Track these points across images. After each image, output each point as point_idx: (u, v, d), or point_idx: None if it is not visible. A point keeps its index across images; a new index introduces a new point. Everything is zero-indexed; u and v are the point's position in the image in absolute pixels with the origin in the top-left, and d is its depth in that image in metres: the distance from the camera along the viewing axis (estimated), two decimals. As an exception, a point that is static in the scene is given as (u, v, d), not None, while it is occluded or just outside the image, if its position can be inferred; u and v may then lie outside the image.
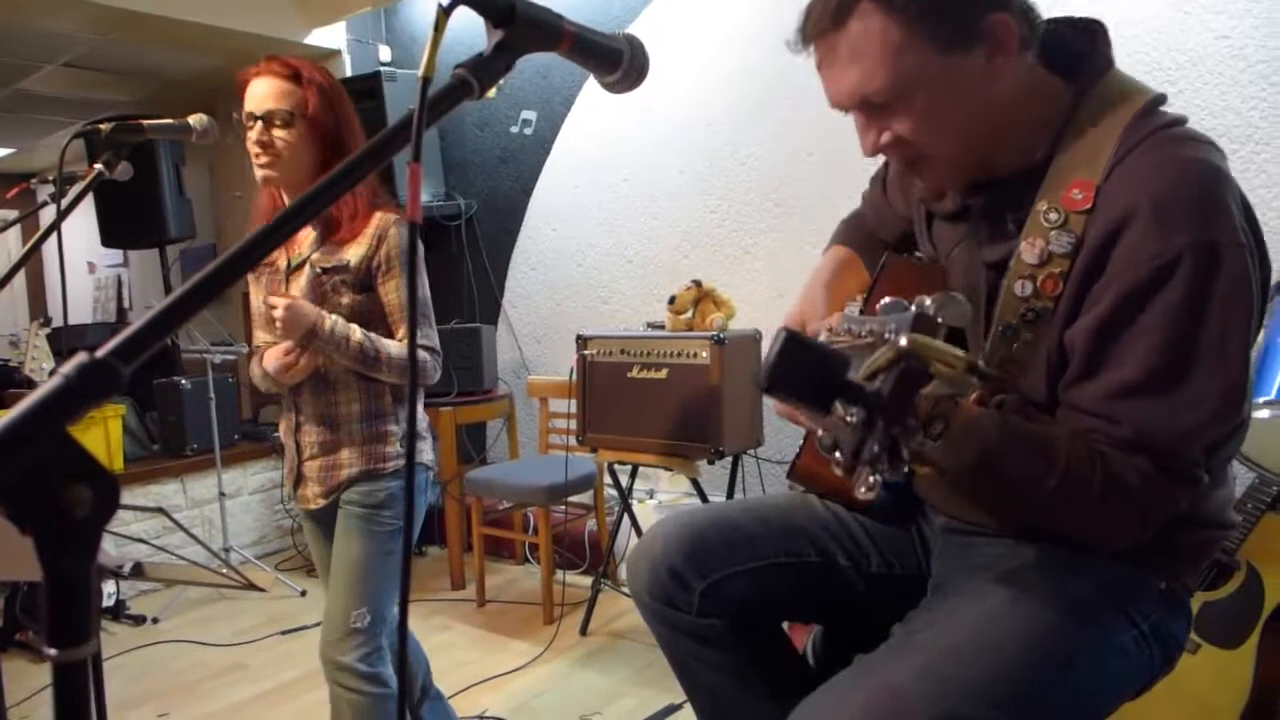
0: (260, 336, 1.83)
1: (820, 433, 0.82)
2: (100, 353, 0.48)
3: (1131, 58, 2.44)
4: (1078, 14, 1.08)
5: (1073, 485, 0.94)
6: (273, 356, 1.70)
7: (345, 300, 1.72)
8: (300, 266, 1.75)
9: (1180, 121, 1.00)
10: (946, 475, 1.04)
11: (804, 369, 0.78)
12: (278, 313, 1.63)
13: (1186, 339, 0.92)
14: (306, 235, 1.77)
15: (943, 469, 0.99)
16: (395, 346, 1.72)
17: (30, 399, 0.45)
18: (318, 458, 1.78)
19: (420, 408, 1.91)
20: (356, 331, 1.69)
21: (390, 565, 1.75)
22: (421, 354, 1.74)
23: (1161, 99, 1.02)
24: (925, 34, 0.94)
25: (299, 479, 1.82)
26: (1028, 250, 1.00)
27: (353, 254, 1.72)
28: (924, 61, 0.95)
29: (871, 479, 0.77)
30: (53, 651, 0.47)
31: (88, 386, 0.46)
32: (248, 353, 1.92)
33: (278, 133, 1.67)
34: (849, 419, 0.77)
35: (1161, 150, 0.95)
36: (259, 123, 1.67)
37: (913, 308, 0.79)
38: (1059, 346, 1.00)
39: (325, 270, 1.72)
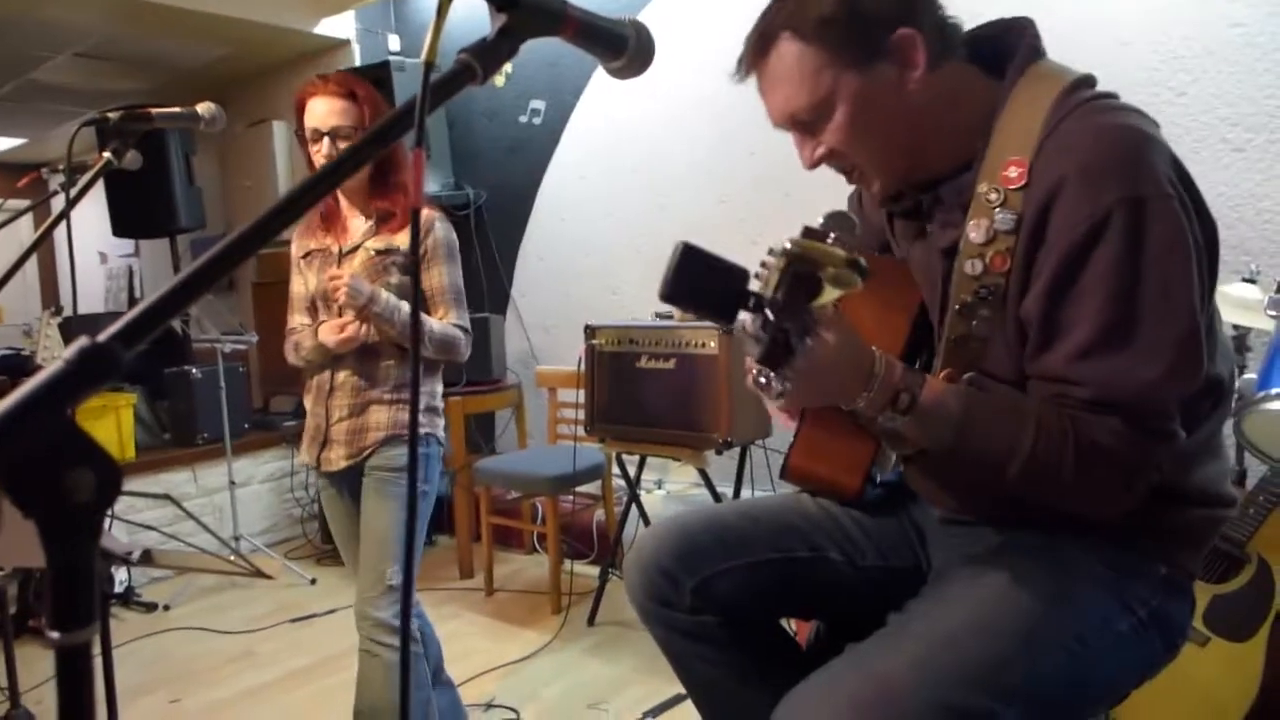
0: (297, 319, 2.05)
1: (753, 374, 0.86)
2: (101, 337, 0.48)
3: (1147, 47, 2.42)
4: (1014, 13, 1.13)
5: (1047, 449, 0.96)
6: (330, 329, 1.90)
7: (394, 280, 1.92)
8: (353, 251, 1.95)
9: (1108, 95, 1.03)
10: (925, 451, 1.08)
11: (701, 278, 0.82)
12: (341, 281, 1.81)
13: (1129, 292, 0.94)
14: (359, 225, 1.98)
15: (918, 443, 1.06)
16: (437, 323, 1.95)
17: (31, 383, 0.45)
18: (346, 419, 1.94)
19: (439, 386, 2.06)
20: (405, 305, 1.90)
21: (418, 527, 1.95)
22: (456, 332, 1.98)
23: (1089, 78, 1.05)
24: (836, 54, 1.03)
25: (325, 443, 1.97)
26: (974, 230, 1.04)
27: (402, 240, 1.94)
28: (838, 79, 1.04)
29: (778, 386, 0.81)
30: (55, 635, 0.47)
31: (88, 371, 0.46)
32: (260, 335, 2.09)
33: (342, 145, 1.87)
34: (755, 334, 0.83)
35: (1087, 119, 0.99)
36: (325, 138, 1.87)
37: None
38: (1015, 320, 1.03)
39: (379, 252, 1.93)
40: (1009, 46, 1.09)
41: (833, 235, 0.86)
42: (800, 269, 0.80)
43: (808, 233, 0.84)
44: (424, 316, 1.93)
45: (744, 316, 0.85)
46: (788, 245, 0.80)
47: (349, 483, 1.99)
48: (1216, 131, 2.33)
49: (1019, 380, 1.05)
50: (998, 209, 1.02)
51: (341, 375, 1.95)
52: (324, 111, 1.86)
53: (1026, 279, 1.01)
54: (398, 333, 1.88)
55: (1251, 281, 2.05)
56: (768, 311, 0.81)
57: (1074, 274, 0.96)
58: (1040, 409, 0.98)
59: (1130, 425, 0.95)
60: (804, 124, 1.09)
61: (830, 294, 0.83)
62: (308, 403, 2.03)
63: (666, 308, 3.08)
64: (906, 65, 1.04)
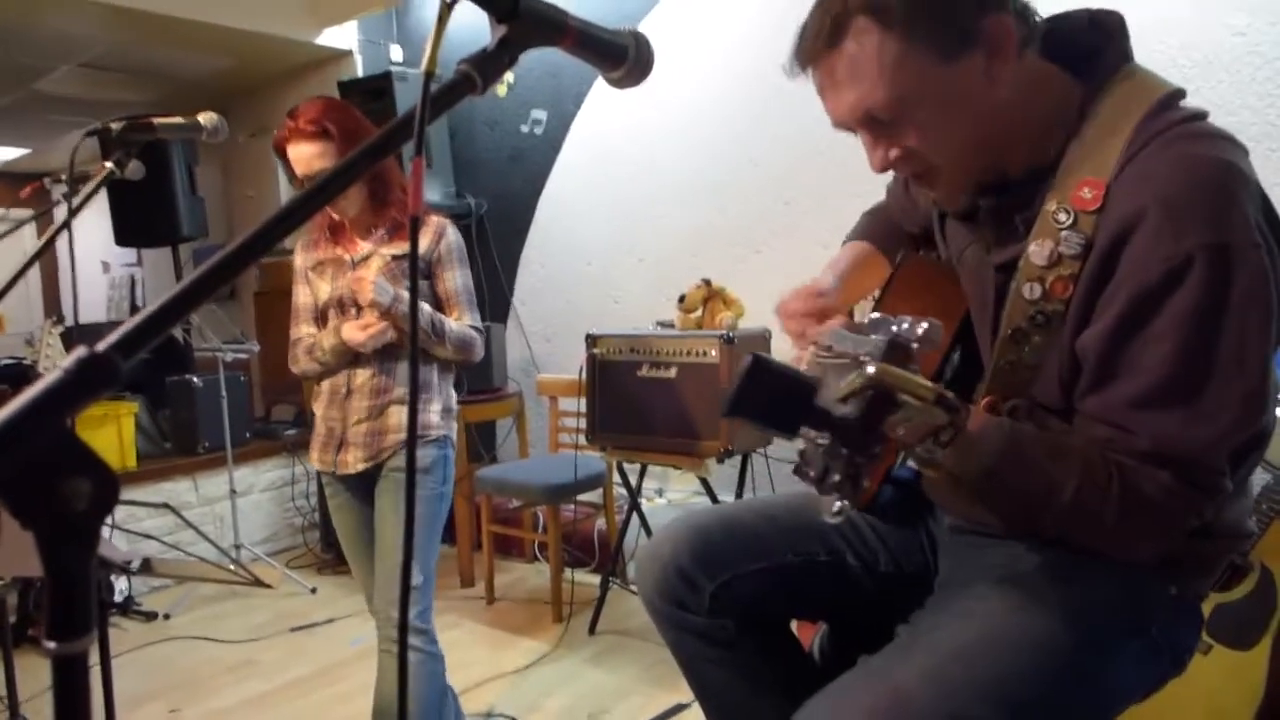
0: (303, 330, 2.06)
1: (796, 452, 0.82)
2: (100, 347, 0.48)
3: (1147, 54, 2.40)
4: (1096, 6, 1.05)
5: (1089, 496, 0.91)
6: (355, 326, 1.92)
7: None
8: (366, 260, 1.98)
9: (1199, 116, 0.96)
10: (960, 482, 1.02)
11: (768, 394, 0.77)
12: (368, 279, 1.86)
13: (1202, 347, 0.89)
14: (371, 234, 2.01)
15: (955, 476, 0.98)
16: (454, 324, 2.00)
17: (29, 392, 0.45)
18: (365, 422, 1.96)
19: (452, 389, 2.11)
20: (427, 307, 1.96)
21: (435, 527, 1.97)
22: (471, 332, 2.03)
23: (1180, 94, 0.98)
24: (922, 44, 0.92)
25: (340, 445, 1.98)
26: (1036, 252, 0.97)
27: (420, 246, 1.98)
28: (924, 72, 0.93)
29: (837, 505, 0.76)
30: (51, 644, 0.47)
31: (87, 380, 0.46)
32: (262, 345, 2.11)
33: None
34: (818, 442, 0.77)
35: (1174, 147, 0.92)
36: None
37: (893, 327, 0.78)
38: (1070, 351, 0.98)
39: (396, 258, 1.97)
40: (1092, 42, 1.01)
41: (916, 346, 0.78)
42: (879, 392, 0.74)
43: (892, 348, 0.76)
44: (443, 318, 1.98)
45: (807, 431, 0.78)
46: (871, 370, 0.73)
47: (363, 486, 2.01)
48: (1217, 140, 2.33)
49: (1064, 410, 1.01)
50: (1065, 230, 0.94)
51: (360, 378, 1.97)
52: (304, 157, 1.88)
53: (1088, 310, 0.95)
54: (422, 334, 1.91)
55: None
56: (836, 435, 0.75)
57: (1145, 318, 0.90)
58: (1087, 453, 0.93)
59: (1181, 481, 0.91)
60: (880, 123, 0.98)
61: (905, 419, 0.77)
62: (318, 408, 2.05)
63: (669, 316, 3.08)
64: (996, 55, 0.94)
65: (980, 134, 0.98)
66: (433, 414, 2.01)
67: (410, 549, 0.64)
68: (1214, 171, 0.90)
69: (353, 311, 1.96)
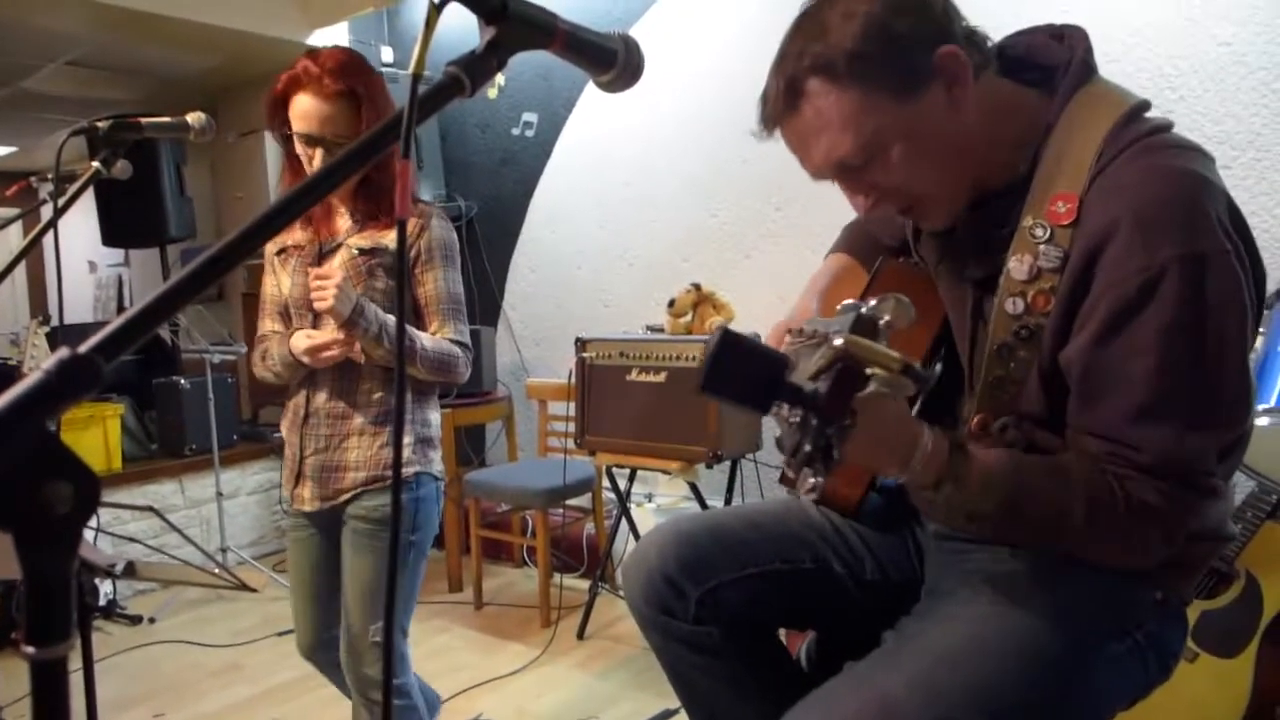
0: (268, 325, 1.79)
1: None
2: (82, 348, 0.47)
3: (1134, 65, 2.44)
4: (1065, 20, 1.06)
5: (1099, 518, 0.93)
6: (303, 336, 1.64)
7: (380, 285, 1.67)
8: (334, 250, 1.70)
9: (1164, 128, 0.98)
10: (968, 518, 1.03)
11: (741, 369, 0.78)
12: (330, 282, 1.54)
13: (1186, 355, 0.90)
14: (342, 222, 1.73)
15: (964, 514, 1.00)
16: (429, 339, 1.67)
17: (9, 395, 0.44)
18: (321, 453, 1.70)
19: (435, 414, 1.79)
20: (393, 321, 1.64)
21: (403, 577, 1.73)
22: (454, 349, 1.71)
23: (1145, 105, 1.00)
24: (878, 89, 0.94)
25: (298, 477, 1.73)
26: (1016, 267, 0.98)
27: (392, 239, 1.68)
28: (886, 115, 0.95)
29: (811, 480, 0.77)
30: (30, 649, 0.46)
31: (68, 382, 0.46)
32: (250, 346, 1.80)
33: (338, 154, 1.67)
34: (790, 420, 0.77)
35: (1142, 159, 0.94)
36: (319, 149, 1.60)
37: (861, 309, 0.80)
38: (1052, 363, 0.99)
39: (363, 252, 1.67)
40: (1054, 58, 1.03)
41: (886, 320, 0.79)
42: (848, 365, 0.74)
43: (859, 322, 0.78)
44: (416, 331, 1.68)
45: (779, 405, 0.78)
46: (838, 342, 0.74)
47: (324, 524, 1.75)
48: (1203, 149, 2.35)
49: (1053, 419, 1.02)
50: (1042, 244, 0.96)
51: (319, 399, 1.70)
52: (314, 114, 1.58)
53: (1067, 322, 0.97)
54: (385, 353, 1.63)
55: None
56: (807, 410, 0.76)
57: (1126, 332, 0.92)
58: (1089, 475, 0.94)
59: (1181, 487, 0.93)
60: (853, 170, 1.00)
61: (877, 390, 0.78)
62: (283, 430, 1.79)
63: (659, 320, 3.08)
64: (955, 84, 0.96)
65: (954, 161, 1.00)
66: (402, 448, 1.66)
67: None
68: (1182, 181, 0.92)
69: (310, 315, 1.68)
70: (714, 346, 0.77)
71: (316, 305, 1.57)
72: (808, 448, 0.75)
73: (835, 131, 0.96)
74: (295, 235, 1.74)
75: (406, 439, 1.70)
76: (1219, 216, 0.91)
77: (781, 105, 0.99)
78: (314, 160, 1.62)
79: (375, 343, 1.61)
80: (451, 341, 1.71)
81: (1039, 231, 0.97)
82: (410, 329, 1.67)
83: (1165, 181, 0.92)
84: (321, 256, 1.71)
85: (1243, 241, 0.94)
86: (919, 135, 0.97)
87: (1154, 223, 0.89)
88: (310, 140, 1.60)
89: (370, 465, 1.68)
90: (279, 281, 1.76)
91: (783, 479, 0.83)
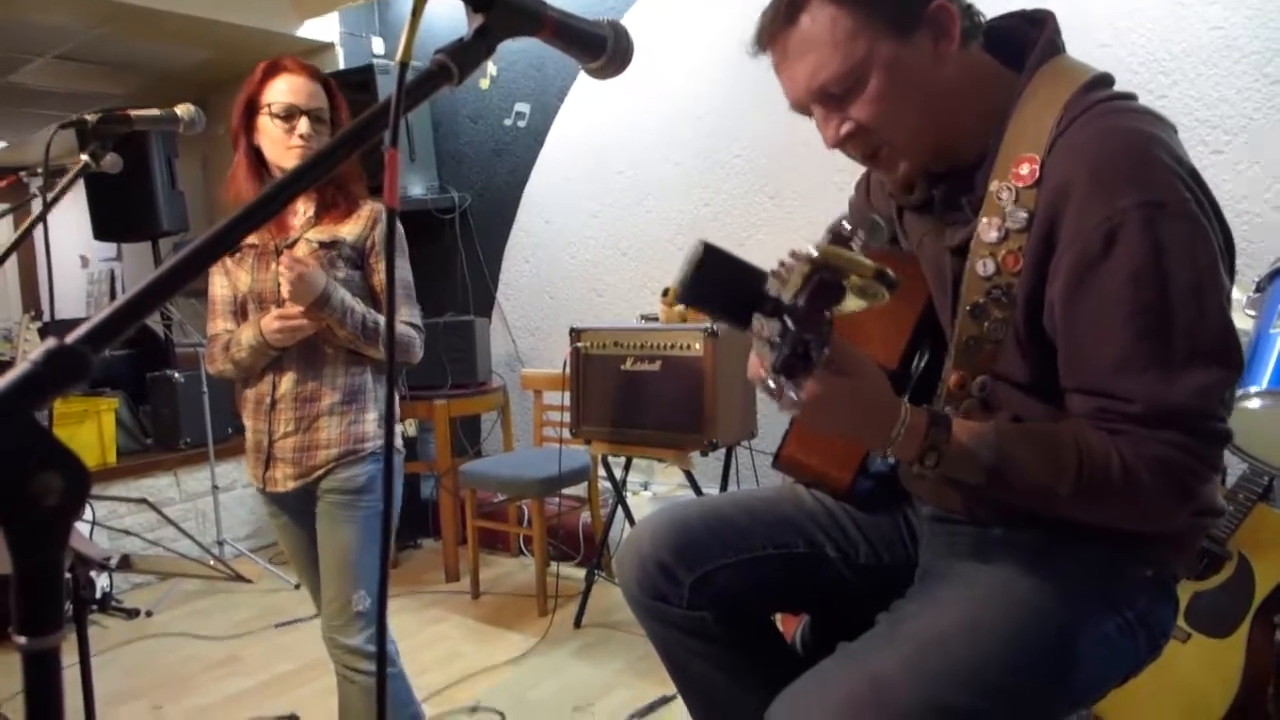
0: (220, 325, 1.86)
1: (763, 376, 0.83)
2: (70, 340, 0.47)
3: (1127, 50, 2.44)
4: (1048, 6, 1.10)
5: (1092, 476, 0.93)
6: (273, 317, 1.72)
7: (341, 275, 1.77)
8: (291, 246, 1.78)
9: (1125, 97, 1.01)
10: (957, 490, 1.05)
11: (722, 279, 0.78)
12: (299, 269, 1.65)
13: (1158, 301, 0.91)
14: (298, 217, 1.82)
15: (953, 486, 1.03)
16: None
17: (-4, 386, 0.44)
18: (292, 435, 1.78)
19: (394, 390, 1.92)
20: (359, 303, 1.75)
21: (377, 546, 1.78)
22: (408, 330, 1.83)
23: (1107, 77, 1.03)
24: (873, 19, 0.98)
25: (269, 461, 1.80)
26: (985, 229, 1.01)
27: (348, 232, 1.80)
28: (874, 46, 0.99)
29: (791, 394, 0.78)
30: (21, 640, 0.46)
31: (55, 374, 0.45)
32: (210, 340, 1.88)
33: (319, 129, 1.75)
34: (772, 340, 0.78)
35: (1100, 120, 0.97)
36: (304, 117, 1.72)
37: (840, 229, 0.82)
38: (1025, 321, 1.01)
39: (323, 245, 1.77)
40: (1028, 39, 1.06)
41: (859, 238, 0.81)
42: (824, 275, 0.76)
43: (834, 238, 0.80)
44: (377, 316, 1.78)
45: (759, 320, 0.80)
46: (812, 251, 0.76)
47: (299, 504, 1.84)
48: (1196, 134, 2.35)
49: (1032, 383, 1.03)
50: (1010, 206, 0.99)
51: (285, 384, 1.78)
52: (302, 89, 1.72)
53: (1038, 279, 0.99)
54: (347, 334, 1.72)
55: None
56: (786, 319, 0.77)
57: (1094, 283, 0.93)
58: (1080, 434, 0.95)
59: (1189, 434, 0.92)
60: (832, 97, 1.02)
61: (853, 303, 0.80)
62: (245, 418, 1.85)
63: (652, 309, 3.08)
64: (942, 37, 1.00)
65: (927, 111, 1.03)
66: (368, 424, 1.80)
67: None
68: (1135, 139, 0.94)
69: (271, 308, 1.76)
70: (696, 257, 0.78)
71: (290, 286, 1.66)
72: (786, 351, 0.76)
73: (826, 50, 0.99)
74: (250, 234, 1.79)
75: (370, 416, 1.82)
76: (1174, 169, 0.93)
77: (781, 19, 1.02)
78: (296, 129, 1.72)
79: (339, 323, 1.72)
80: (406, 324, 1.85)
81: (1005, 194, 1.00)
82: (371, 312, 1.78)
83: (1119, 140, 0.95)
84: (279, 252, 1.79)
85: (1205, 199, 0.95)
86: (900, 75, 1.00)
87: (1111, 177, 0.92)
88: (295, 111, 1.72)
89: (341, 441, 1.78)
90: (234, 280, 1.84)
91: (776, 462, 0.83)
